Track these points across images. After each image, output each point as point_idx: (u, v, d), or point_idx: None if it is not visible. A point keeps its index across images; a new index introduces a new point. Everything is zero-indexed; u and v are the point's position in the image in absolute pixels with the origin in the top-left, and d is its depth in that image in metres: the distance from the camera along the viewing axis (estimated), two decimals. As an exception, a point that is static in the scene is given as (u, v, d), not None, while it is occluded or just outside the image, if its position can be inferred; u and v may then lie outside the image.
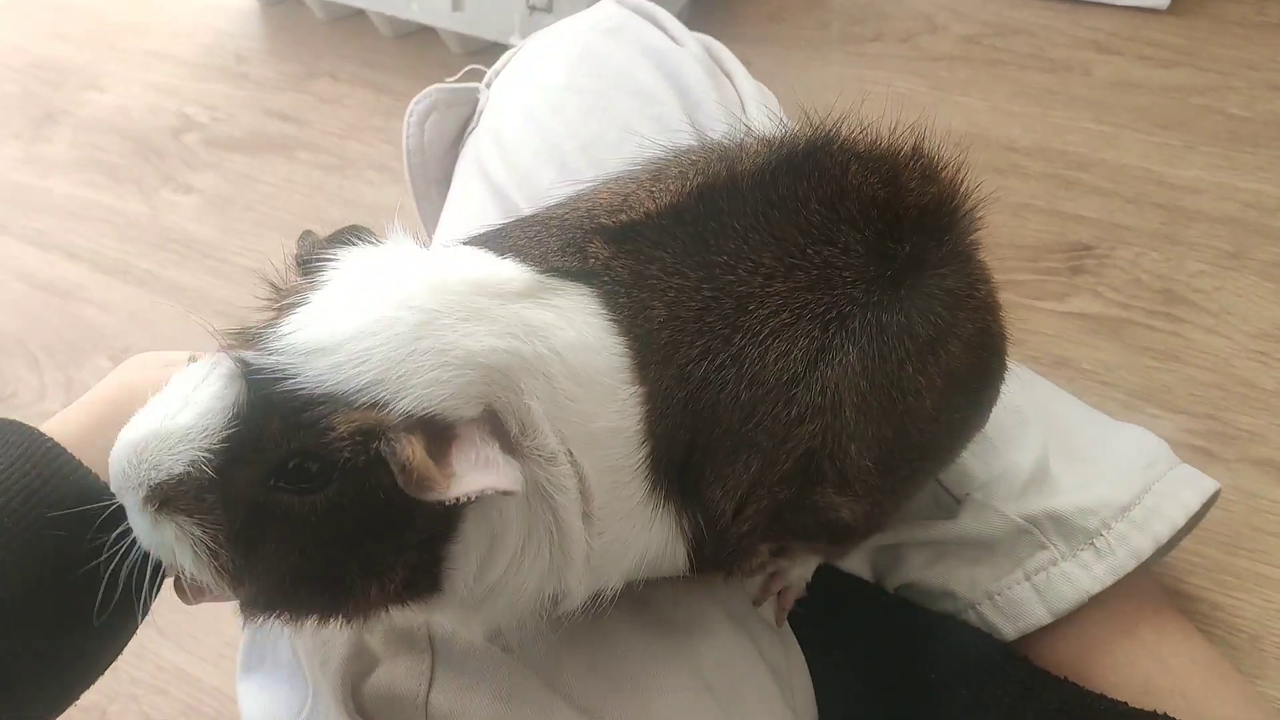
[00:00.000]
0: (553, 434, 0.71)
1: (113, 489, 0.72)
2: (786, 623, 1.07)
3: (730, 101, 1.33)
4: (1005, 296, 0.95)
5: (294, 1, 2.34)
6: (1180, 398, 1.47)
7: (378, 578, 0.71)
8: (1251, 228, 1.63)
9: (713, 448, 0.78)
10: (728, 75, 1.38)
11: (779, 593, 1.06)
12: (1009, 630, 1.10)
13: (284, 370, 0.67)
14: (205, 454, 0.67)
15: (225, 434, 0.67)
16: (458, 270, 0.73)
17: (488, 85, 1.42)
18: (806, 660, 1.07)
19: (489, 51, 2.05)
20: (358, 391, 0.66)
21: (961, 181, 0.87)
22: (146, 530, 0.71)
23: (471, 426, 0.67)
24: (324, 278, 0.73)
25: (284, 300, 0.73)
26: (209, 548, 0.69)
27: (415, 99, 1.44)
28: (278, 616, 0.74)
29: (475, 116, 1.41)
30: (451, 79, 1.49)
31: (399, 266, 0.74)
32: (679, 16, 2.01)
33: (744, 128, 1.22)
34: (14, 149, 2.27)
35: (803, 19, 2.13)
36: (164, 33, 2.46)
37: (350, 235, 0.78)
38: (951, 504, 1.14)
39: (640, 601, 0.97)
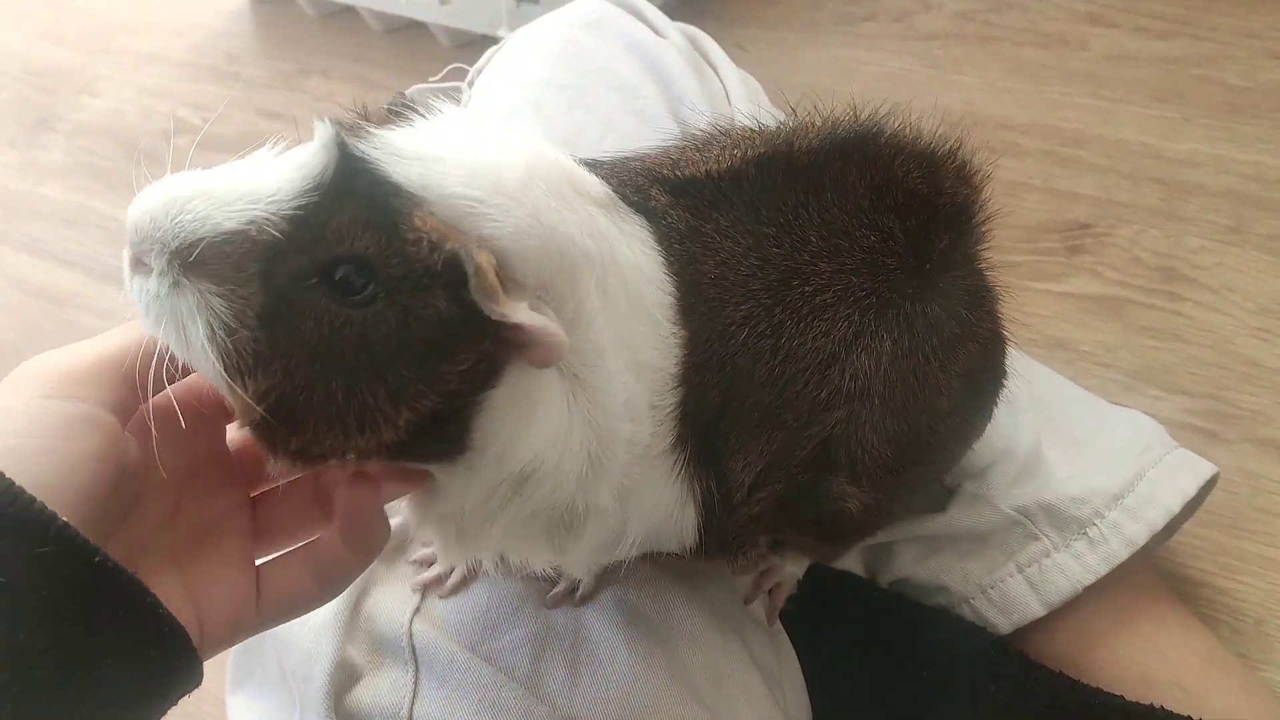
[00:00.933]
0: (606, 333, 0.69)
1: (129, 244, 0.63)
2: (779, 621, 1.06)
3: (714, 92, 1.31)
4: (1002, 278, 0.95)
5: (285, 0, 2.33)
6: (1181, 378, 1.45)
7: (408, 403, 0.64)
8: (1251, 201, 1.60)
9: (741, 416, 0.78)
10: (712, 66, 1.37)
11: (770, 590, 1.05)
12: (1003, 624, 1.09)
13: (380, 160, 0.62)
14: (270, 216, 0.61)
15: (300, 202, 0.61)
16: (554, 154, 0.71)
17: (470, 84, 1.41)
18: (799, 659, 1.06)
19: (479, 44, 2.03)
20: (444, 202, 0.61)
21: (987, 188, 0.89)
22: (157, 296, 0.62)
23: (525, 290, 0.64)
24: (423, 117, 0.68)
25: (374, 123, 0.67)
26: (227, 324, 0.61)
27: (390, 98, 1.43)
28: (282, 426, 0.64)
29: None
30: (434, 78, 1.48)
31: (504, 130, 0.70)
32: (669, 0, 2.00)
33: (728, 118, 1.22)
34: (9, 156, 2.27)
35: (796, 0, 2.11)
36: (157, 32, 2.45)
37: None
38: (943, 495, 1.13)
39: (622, 606, 0.96)
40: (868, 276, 0.79)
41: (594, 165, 0.79)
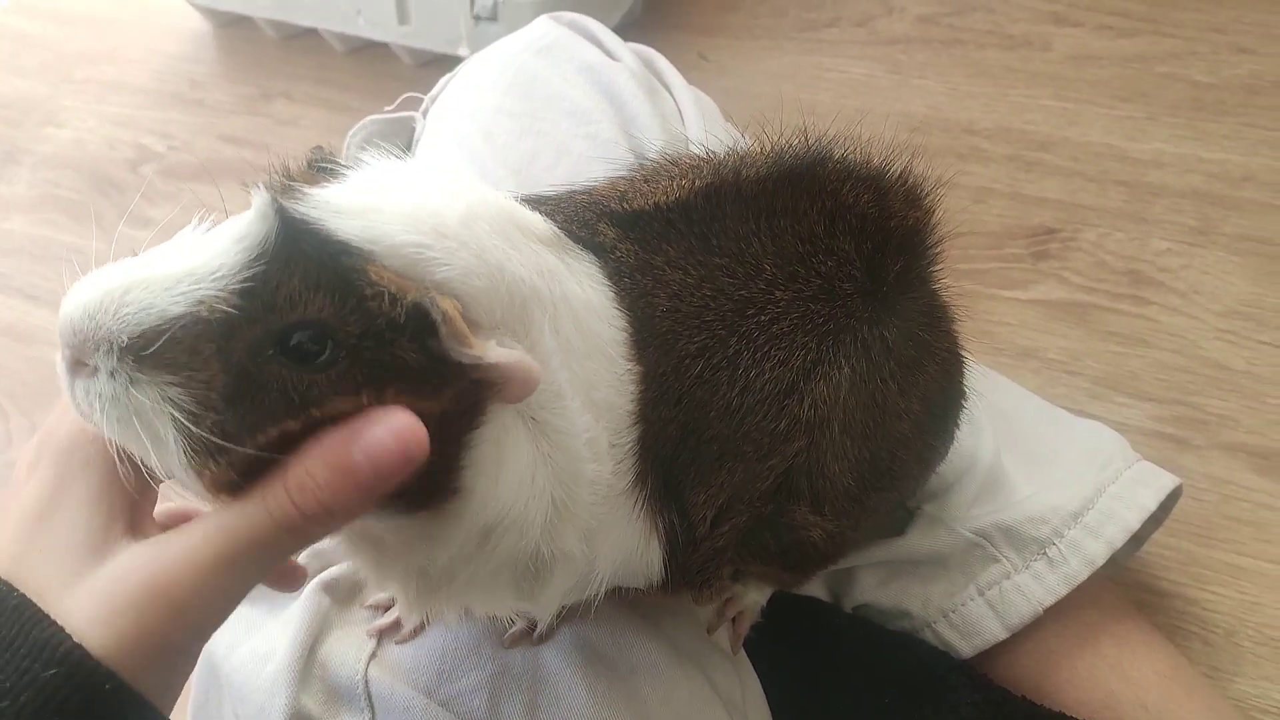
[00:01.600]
0: (562, 373, 0.68)
1: (67, 347, 0.60)
2: (743, 651, 1.05)
3: (668, 113, 1.30)
4: (968, 286, 0.94)
5: (246, 23, 2.31)
6: (1148, 384, 1.44)
7: None
8: (1217, 200, 1.59)
9: (700, 450, 0.77)
10: (666, 87, 1.36)
11: (734, 619, 1.04)
12: (965, 648, 1.08)
13: (321, 220, 0.60)
14: (219, 293, 0.58)
15: (246, 274, 0.59)
16: (494, 195, 0.70)
17: (424, 114, 1.40)
18: (763, 687, 1.05)
19: (442, 62, 2.02)
20: (393, 253, 0.60)
21: (938, 210, 0.89)
22: (114, 398, 0.59)
23: (483, 331, 0.63)
24: (351, 171, 0.67)
25: (301, 182, 0.66)
26: (191, 412, 0.58)
27: (352, 130, 1.43)
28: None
29: (412, 146, 1.39)
30: (389, 108, 1.47)
31: (438, 174, 0.70)
32: (632, 10, 1.99)
33: (682, 139, 1.21)
34: (-26, 191, 2.25)
35: (758, 8, 2.09)
36: (118, 60, 2.44)
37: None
38: (904, 518, 1.12)
39: (581, 644, 0.95)
40: (825, 303, 0.79)
41: (538, 202, 0.78)
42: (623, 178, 0.89)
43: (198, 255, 0.60)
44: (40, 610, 0.58)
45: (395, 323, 0.59)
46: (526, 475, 0.68)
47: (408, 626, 0.97)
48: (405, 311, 0.59)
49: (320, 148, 0.73)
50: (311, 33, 2.21)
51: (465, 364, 0.60)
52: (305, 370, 0.59)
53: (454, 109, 1.32)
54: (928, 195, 0.88)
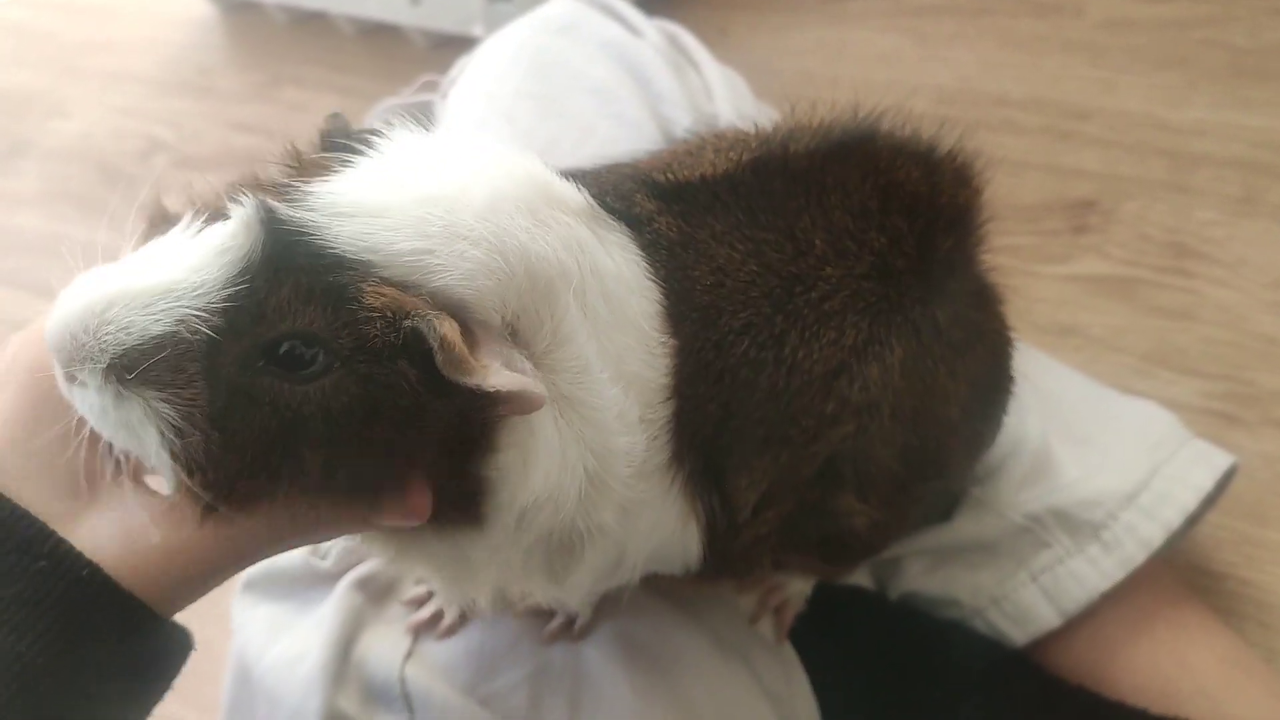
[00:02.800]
0: (589, 346, 0.65)
1: (57, 361, 0.59)
2: (787, 643, 1.02)
3: (695, 90, 1.27)
4: (1005, 262, 0.92)
5: (253, 8, 2.27)
6: (1196, 359, 1.39)
7: (407, 465, 0.62)
8: (1262, 169, 1.54)
9: (744, 432, 0.75)
10: (693, 64, 1.32)
11: (777, 609, 1.01)
12: (1018, 636, 1.05)
13: (315, 227, 0.57)
14: (199, 313, 0.56)
15: (229, 291, 0.57)
16: (525, 166, 0.67)
17: (444, 96, 1.36)
18: (808, 679, 1.02)
19: (455, 44, 1.98)
20: (392, 262, 0.58)
21: (986, 189, 0.87)
22: (104, 410, 0.59)
23: (492, 331, 0.61)
24: (366, 151, 0.63)
25: (308, 170, 0.63)
26: (177, 427, 0.57)
27: (368, 116, 1.39)
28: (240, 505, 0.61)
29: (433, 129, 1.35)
30: (407, 91, 1.43)
31: (463, 146, 0.67)
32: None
33: (711, 118, 1.18)
34: (-18, 186, 2.23)
35: (778, -21, 2.04)
36: (124, 50, 2.40)
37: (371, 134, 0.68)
38: (950, 502, 1.09)
39: (622, 638, 0.93)
40: (878, 280, 0.77)
41: (576, 174, 0.75)
42: (666, 150, 0.87)
43: (180, 267, 0.57)
44: (26, 511, 0.60)
45: (394, 345, 0.57)
46: (557, 454, 0.65)
47: (447, 620, 0.95)
48: (403, 336, 0.56)
49: (338, 115, 0.69)
50: (321, 16, 2.18)
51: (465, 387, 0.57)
52: (296, 381, 0.57)
53: (474, 92, 1.29)
54: (977, 174, 0.86)
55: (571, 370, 0.64)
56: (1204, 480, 1.06)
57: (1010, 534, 1.06)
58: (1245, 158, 1.56)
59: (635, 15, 1.35)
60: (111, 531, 0.63)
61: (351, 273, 0.57)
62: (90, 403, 0.59)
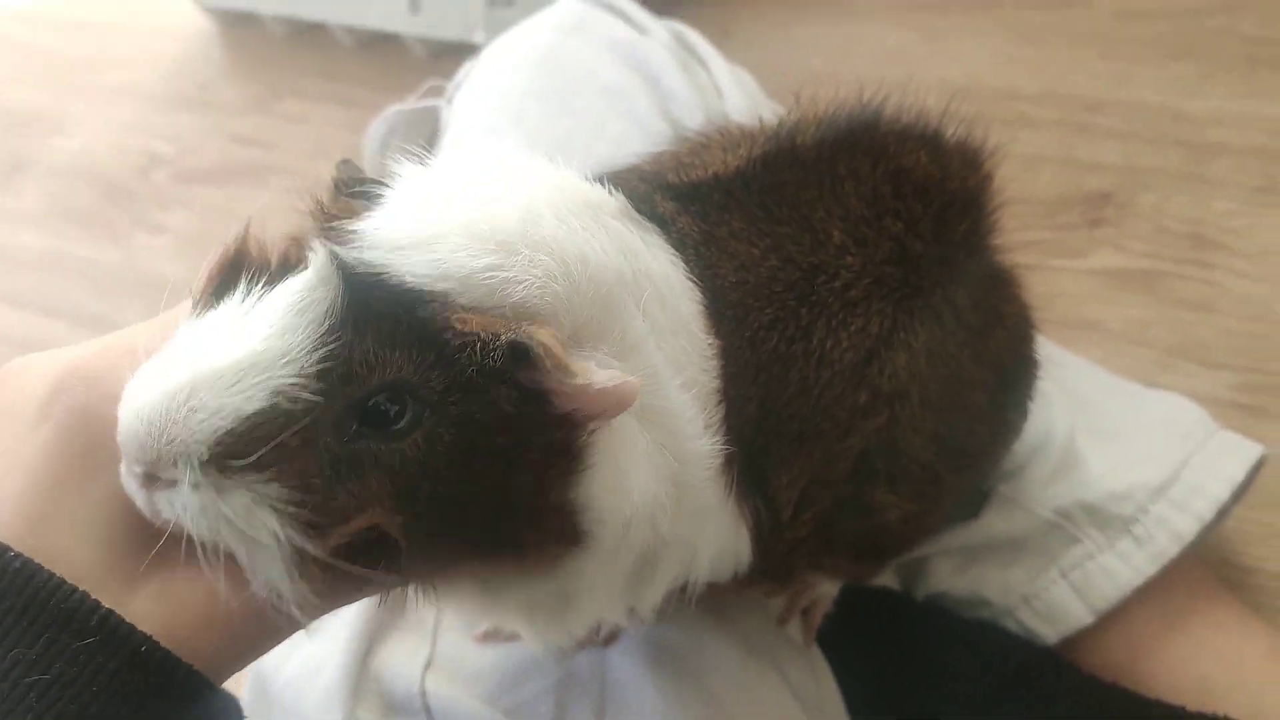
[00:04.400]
0: (657, 354, 0.63)
1: (137, 463, 0.53)
2: (816, 646, 1.00)
3: (705, 88, 1.25)
4: (1022, 258, 0.91)
5: (251, 20, 2.26)
6: (1220, 351, 1.37)
7: (514, 508, 0.59)
8: (1280, 157, 1.52)
9: (780, 429, 0.73)
10: (701, 62, 1.31)
11: (805, 610, 0.99)
12: (1050, 634, 1.04)
13: (385, 266, 0.55)
14: (296, 379, 0.52)
15: (321, 352, 0.53)
16: (560, 174, 0.66)
17: (449, 101, 1.34)
18: (837, 682, 1.01)
19: (456, 52, 1.96)
20: (469, 286, 0.55)
21: (998, 175, 0.87)
22: (204, 508, 0.53)
23: (568, 340, 0.58)
24: (387, 190, 0.61)
25: (334, 218, 0.60)
26: (291, 504, 0.53)
27: (374, 123, 1.37)
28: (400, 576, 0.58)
29: (439, 136, 1.33)
30: (413, 97, 1.41)
31: (492, 164, 0.65)
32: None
33: (722, 116, 1.16)
34: (-17, 205, 2.21)
35: (780, -24, 2.02)
36: (123, 65, 2.38)
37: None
38: (978, 499, 1.07)
39: (649, 644, 0.92)
40: (898, 265, 0.77)
41: (600, 177, 0.73)
42: (672, 150, 0.86)
43: (259, 335, 0.54)
44: (62, 582, 0.53)
45: (491, 369, 0.54)
46: (647, 463, 0.63)
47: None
48: (501, 355, 0.54)
49: (348, 162, 0.66)
50: (319, 27, 2.16)
51: (568, 393, 0.55)
52: (390, 439, 0.54)
53: (481, 95, 1.27)
54: (986, 159, 0.86)
55: (645, 378, 0.61)
56: (1235, 471, 1.04)
57: (1039, 530, 1.04)
58: (1264, 147, 1.53)
59: (642, 15, 1.33)
60: (164, 598, 0.57)
61: (434, 304, 0.54)
62: (186, 502, 0.53)
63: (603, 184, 0.68)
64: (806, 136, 0.80)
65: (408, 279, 0.54)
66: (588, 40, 1.27)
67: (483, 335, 0.53)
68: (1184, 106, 1.61)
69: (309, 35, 2.21)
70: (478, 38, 1.85)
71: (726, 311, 0.70)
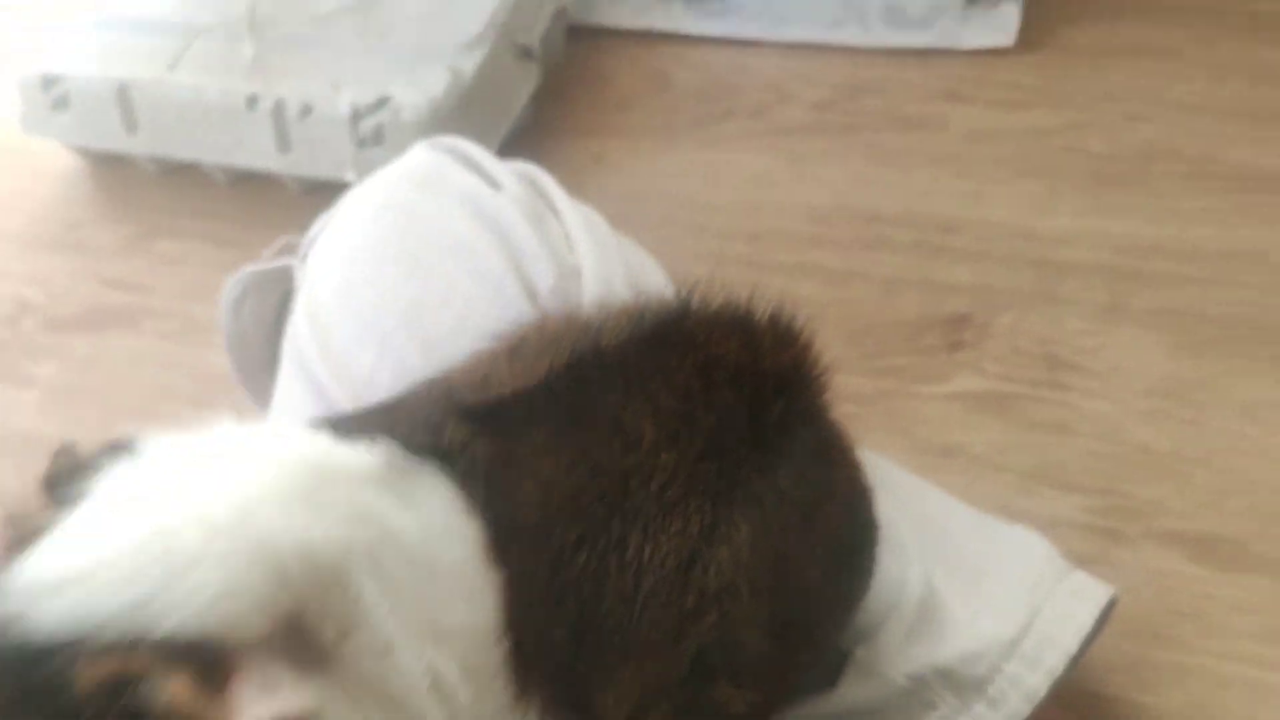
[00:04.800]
0: (389, 623, 0.61)
1: None
2: None
3: (556, 240, 1.25)
4: (886, 385, 0.91)
5: (122, 160, 2.22)
6: (1075, 473, 1.39)
7: None
8: (1127, 274, 1.57)
9: (601, 647, 0.71)
10: (553, 210, 1.31)
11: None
12: None
13: (19, 618, 0.52)
14: None
15: None
16: (293, 451, 0.65)
17: (303, 259, 1.33)
18: None
19: (328, 188, 1.95)
20: (105, 629, 0.52)
21: (814, 346, 0.87)
22: None
23: (258, 645, 0.56)
24: (87, 496, 0.59)
25: (25, 533, 0.58)
26: None
27: (227, 285, 1.35)
28: None
29: (291, 298, 1.32)
30: (267, 252, 1.40)
31: (201, 453, 0.63)
32: (522, 116, 1.95)
33: (573, 270, 1.16)
34: None
35: (651, 104, 2.05)
36: (-10, 206, 2.33)
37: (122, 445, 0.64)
38: (838, 663, 1.02)
39: None
40: (714, 459, 0.75)
41: (385, 410, 0.76)
42: (487, 354, 0.86)
43: None
44: None
45: (132, 713, 0.51)
46: None
47: None
48: (134, 704, 0.50)
49: (63, 450, 0.64)
50: (192, 166, 2.14)
51: None
52: None
53: (331, 253, 1.25)
54: (800, 332, 0.86)
55: (372, 653, 0.60)
56: (1085, 618, 1.04)
57: (897, 696, 1.02)
58: (1110, 264, 1.58)
59: (495, 164, 1.33)
60: None
61: (60, 657, 0.51)
62: None
63: (369, 432, 0.67)
64: (611, 338, 0.80)
65: (33, 633, 0.52)
66: (438, 194, 1.26)
67: (109, 683, 0.51)
68: (1035, 225, 1.66)
69: (181, 174, 2.18)
70: (349, 176, 1.84)
71: (521, 537, 0.69)
